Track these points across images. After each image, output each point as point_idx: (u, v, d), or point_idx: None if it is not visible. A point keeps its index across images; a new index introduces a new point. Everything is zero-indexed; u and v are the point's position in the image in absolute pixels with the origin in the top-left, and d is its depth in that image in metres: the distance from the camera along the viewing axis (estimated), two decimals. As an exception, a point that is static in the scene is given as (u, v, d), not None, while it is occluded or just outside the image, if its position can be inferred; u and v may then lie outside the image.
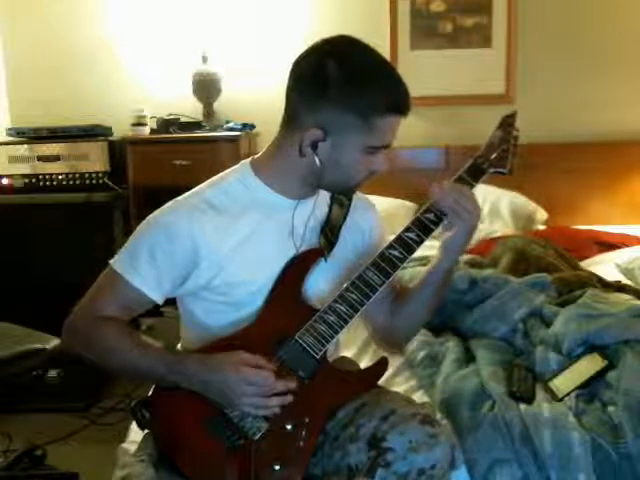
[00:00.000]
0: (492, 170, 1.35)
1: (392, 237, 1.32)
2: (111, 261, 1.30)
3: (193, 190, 1.34)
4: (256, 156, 1.37)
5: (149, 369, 1.24)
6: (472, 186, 1.32)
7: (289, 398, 1.21)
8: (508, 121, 1.39)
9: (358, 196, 1.44)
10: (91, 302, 1.30)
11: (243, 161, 1.38)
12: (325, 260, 1.33)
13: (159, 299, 1.29)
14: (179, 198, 1.32)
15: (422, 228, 1.29)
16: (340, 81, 1.20)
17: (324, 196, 1.39)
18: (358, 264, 1.40)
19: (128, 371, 1.31)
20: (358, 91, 1.21)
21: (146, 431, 1.31)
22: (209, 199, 1.30)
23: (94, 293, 1.31)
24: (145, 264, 1.26)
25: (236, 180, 1.34)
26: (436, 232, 1.32)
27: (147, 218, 1.31)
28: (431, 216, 1.29)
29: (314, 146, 1.24)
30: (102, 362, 1.29)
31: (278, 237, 1.31)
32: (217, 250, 1.27)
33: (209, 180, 1.36)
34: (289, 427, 1.23)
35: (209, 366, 1.20)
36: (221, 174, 1.37)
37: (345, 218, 1.39)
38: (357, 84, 1.21)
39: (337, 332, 1.25)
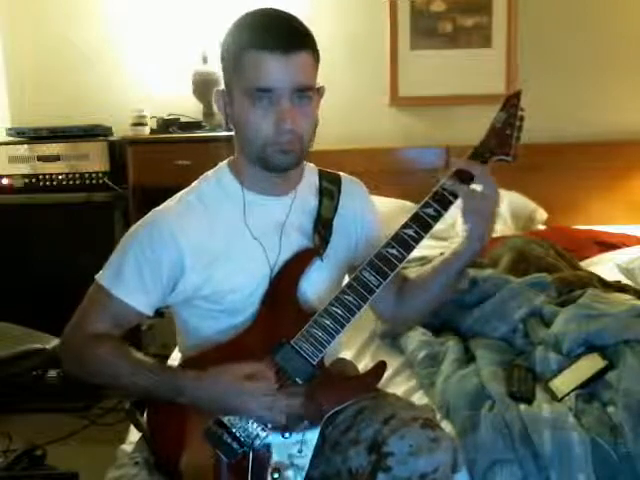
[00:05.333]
0: (495, 158, 1.28)
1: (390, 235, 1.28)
2: (97, 276, 1.29)
3: (175, 195, 1.33)
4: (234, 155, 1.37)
5: (144, 388, 1.23)
6: (473, 177, 1.27)
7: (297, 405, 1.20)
8: (512, 101, 1.30)
9: (345, 178, 1.43)
10: (81, 320, 1.28)
11: (223, 161, 1.38)
12: (321, 260, 1.31)
13: (148, 311, 1.28)
14: (160, 207, 1.31)
15: (421, 224, 1.24)
16: (224, 38, 1.25)
17: (309, 192, 1.37)
18: (356, 254, 1.40)
19: (123, 390, 1.30)
20: (231, 38, 1.24)
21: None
22: (188, 203, 1.30)
23: (83, 311, 1.29)
24: (131, 277, 1.25)
25: (213, 180, 1.34)
26: (436, 229, 1.29)
27: (129, 230, 1.31)
28: (430, 211, 1.24)
29: (227, 113, 1.27)
30: (97, 381, 1.29)
31: (257, 238, 1.30)
32: (202, 256, 1.26)
33: (193, 182, 1.35)
34: (287, 434, 1.21)
35: (207, 383, 1.18)
36: (203, 175, 1.36)
37: (336, 209, 1.37)
38: (232, 33, 1.24)
39: (334, 337, 1.22)
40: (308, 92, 1.23)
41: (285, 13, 1.25)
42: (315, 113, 1.27)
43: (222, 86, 1.29)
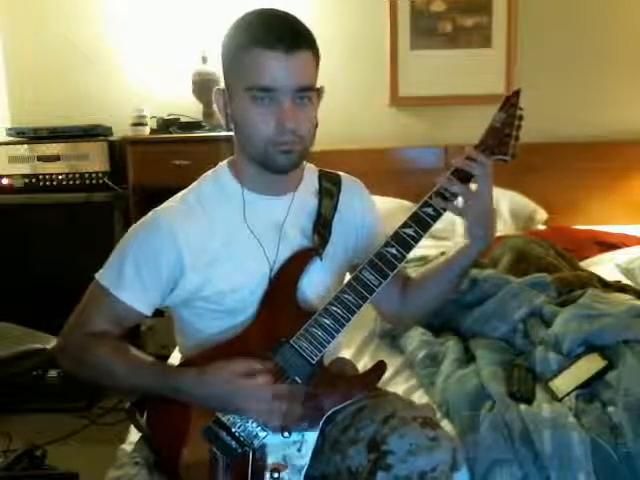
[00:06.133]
0: (493, 158, 1.29)
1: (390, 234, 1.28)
2: (97, 275, 1.29)
3: (175, 196, 1.33)
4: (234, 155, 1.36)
5: (143, 387, 1.23)
6: (471, 176, 1.27)
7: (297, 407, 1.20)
8: (511, 101, 1.32)
9: (345, 178, 1.43)
10: (79, 318, 1.28)
11: (223, 161, 1.38)
12: (321, 259, 1.31)
13: (147, 311, 1.28)
14: (160, 207, 1.31)
15: (420, 224, 1.25)
16: (224, 39, 1.25)
17: (309, 192, 1.37)
18: (356, 254, 1.40)
19: (122, 389, 1.30)
20: (231, 38, 1.23)
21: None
22: (188, 203, 1.30)
23: (82, 309, 1.29)
24: (131, 278, 1.25)
25: (213, 180, 1.34)
26: (436, 229, 1.29)
27: (129, 230, 1.31)
28: (430, 210, 1.25)
29: (226, 113, 1.27)
30: (95, 381, 1.29)
31: (257, 238, 1.30)
32: (201, 256, 1.26)
33: (193, 183, 1.35)
34: (286, 433, 1.21)
35: (205, 380, 1.18)
36: (202, 175, 1.36)
37: (336, 209, 1.37)
38: (232, 33, 1.24)
39: (333, 336, 1.22)
40: (309, 92, 1.23)
41: (286, 13, 1.25)
42: (315, 114, 1.27)
43: (222, 85, 1.29)
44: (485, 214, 1.27)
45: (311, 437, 1.22)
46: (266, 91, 1.19)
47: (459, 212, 1.26)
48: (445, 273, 1.36)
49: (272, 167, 1.25)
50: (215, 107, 1.31)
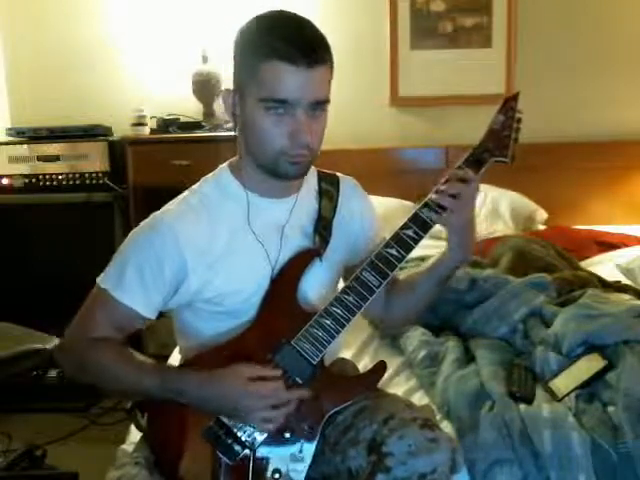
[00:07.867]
0: (493, 160, 1.30)
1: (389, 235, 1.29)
2: (98, 279, 1.28)
3: (175, 198, 1.33)
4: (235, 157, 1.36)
5: (145, 390, 1.23)
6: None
7: (293, 407, 1.20)
8: (510, 104, 1.33)
9: (343, 179, 1.43)
10: (82, 323, 1.28)
11: (223, 163, 1.37)
12: (320, 260, 1.31)
13: (151, 315, 1.27)
14: (160, 210, 1.30)
15: (420, 225, 1.26)
16: (239, 39, 1.24)
17: (309, 193, 1.37)
18: (353, 254, 1.40)
19: (125, 393, 1.31)
20: (249, 42, 1.22)
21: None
22: (190, 205, 1.29)
23: (84, 314, 1.28)
24: (134, 282, 1.25)
25: (214, 182, 1.33)
26: (436, 229, 1.30)
27: (132, 233, 1.30)
28: (430, 212, 1.26)
29: (234, 114, 1.26)
30: (97, 384, 1.29)
31: (260, 240, 1.29)
32: (203, 258, 1.26)
33: (193, 186, 1.35)
34: (287, 434, 1.22)
35: (211, 383, 1.18)
36: (202, 178, 1.36)
37: (335, 210, 1.37)
38: (250, 37, 1.23)
39: (334, 336, 1.23)
40: (324, 105, 1.23)
41: (304, 20, 1.23)
42: (326, 123, 1.26)
43: (226, 85, 1.28)
44: (464, 223, 1.27)
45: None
46: (283, 103, 1.18)
47: (443, 222, 1.27)
48: (428, 280, 1.37)
49: (280, 175, 1.25)
50: (222, 105, 1.30)
